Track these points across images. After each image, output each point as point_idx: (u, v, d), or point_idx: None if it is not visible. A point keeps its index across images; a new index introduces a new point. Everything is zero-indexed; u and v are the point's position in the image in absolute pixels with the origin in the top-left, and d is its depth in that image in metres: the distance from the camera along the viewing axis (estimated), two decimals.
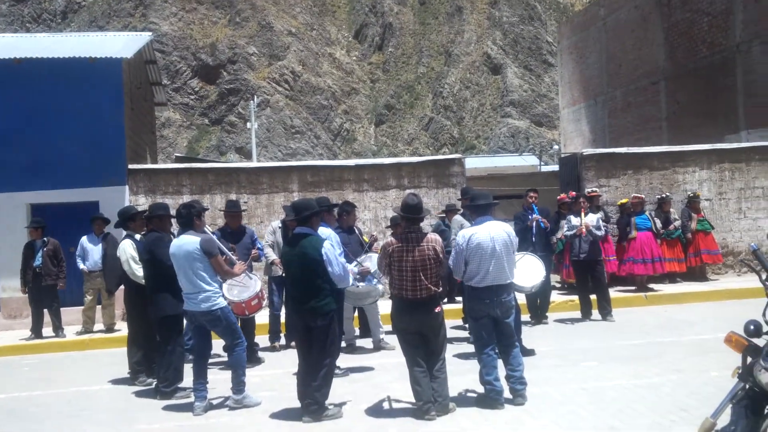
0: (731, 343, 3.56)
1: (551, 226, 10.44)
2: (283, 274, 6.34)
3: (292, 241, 5.79)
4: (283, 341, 8.69)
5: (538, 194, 9.91)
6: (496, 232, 5.82)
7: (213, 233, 7.63)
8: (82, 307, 10.57)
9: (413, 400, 5.64)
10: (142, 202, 11.56)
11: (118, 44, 13.32)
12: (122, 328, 10.35)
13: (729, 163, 12.81)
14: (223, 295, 6.30)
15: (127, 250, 7.32)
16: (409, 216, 5.66)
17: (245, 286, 6.73)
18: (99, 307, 10.62)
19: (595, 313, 9.59)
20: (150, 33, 16.78)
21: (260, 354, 8.14)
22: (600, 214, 10.24)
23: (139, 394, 6.96)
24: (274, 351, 8.58)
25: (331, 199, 8.53)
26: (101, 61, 11.61)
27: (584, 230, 9.34)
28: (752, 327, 3.42)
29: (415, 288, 5.51)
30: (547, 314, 9.54)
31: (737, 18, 17.13)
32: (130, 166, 11.94)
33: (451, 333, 7.66)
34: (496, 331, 5.81)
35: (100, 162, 11.65)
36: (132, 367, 7.39)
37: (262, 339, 8.64)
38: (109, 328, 10.47)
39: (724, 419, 3.39)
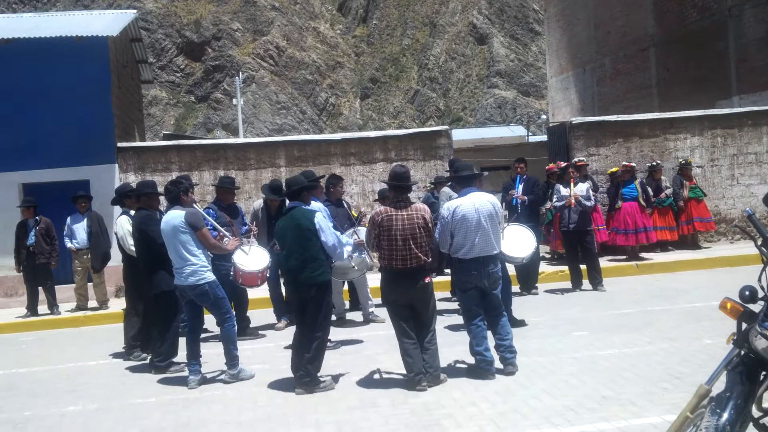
0: (726, 309, 3.50)
1: (539, 195, 10.38)
2: (277, 249, 6.29)
3: (286, 214, 5.86)
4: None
5: (525, 165, 9.83)
6: (480, 203, 5.78)
7: (209, 209, 7.63)
8: (74, 285, 10.72)
9: (404, 372, 5.66)
10: (132, 180, 11.64)
11: (104, 22, 13.35)
12: (114, 305, 10.68)
13: (721, 129, 12.68)
14: (233, 266, 6.56)
15: (124, 225, 7.45)
16: (398, 184, 5.64)
17: (255, 256, 6.85)
18: (90, 284, 10.76)
19: (586, 284, 9.57)
20: (135, 11, 16.73)
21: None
22: (588, 184, 10.18)
23: (134, 368, 7.04)
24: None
25: (317, 173, 8.46)
26: (88, 40, 11.70)
27: (573, 201, 9.27)
28: (747, 293, 3.36)
29: (405, 257, 5.48)
30: (536, 285, 9.52)
31: None
32: (119, 144, 12.05)
33: (440, 305, 7.63)
34: (484, 302, 5.81)
35: (90, 141, 11.80)
36: (128, 342, 7.49)
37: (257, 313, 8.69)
38: (102, 305, 10.64)
39: (719, 386, 3.35)
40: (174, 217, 6.06)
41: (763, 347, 3.19)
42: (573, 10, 23.91)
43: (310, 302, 5.68)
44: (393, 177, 5.70)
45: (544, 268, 10.83)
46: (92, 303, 10.75)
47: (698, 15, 17.84)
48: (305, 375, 5.65)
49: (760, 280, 3.36)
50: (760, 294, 3.35)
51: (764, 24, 15.86)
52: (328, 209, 7.14)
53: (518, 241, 6.96)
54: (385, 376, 6.00)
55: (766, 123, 12.72)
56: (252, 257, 6.91)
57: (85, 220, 10.36)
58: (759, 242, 3.46)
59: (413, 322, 5.61)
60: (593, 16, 22.54)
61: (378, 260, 5.70)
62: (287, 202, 6.61)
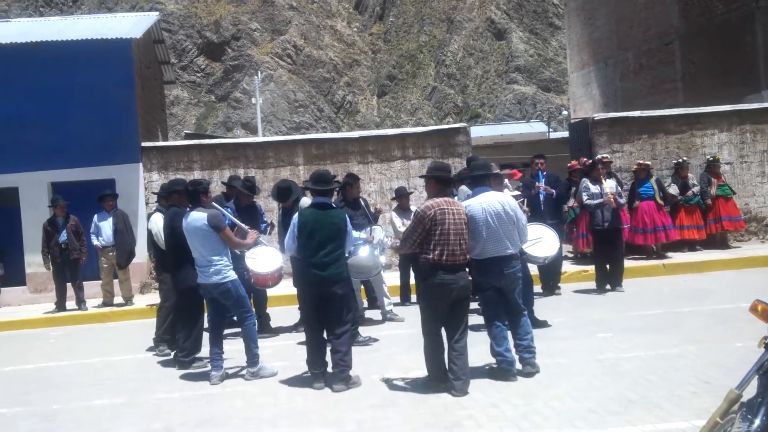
0: (757, 311, 3.42)
1: (562, 192, 10.17)
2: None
3: (320, 209, 5.84)
4: None
5: (545, 160, 9.66)
6: (488, 202, 5.61)
7: (227, 208, 7.68)
8: (101, 282, 11.02)
9: (423, 372, 5.62)
10: (156, 179, 11.96)
11: (127, 25, 13.69)
12: (139, 301, 11.06)
13: (750, 124, 12.31)
14: (245, 268, 6.59)
15: (159, 222, 7.59)
16: (445, 176, 5.50)
17: (266, 258, 6.88)
18: (116, 281, 11.04)
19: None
20: (157, 13, 17.17)
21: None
22: (612, 181, 9.95)
23: (158, 364, 7.20)
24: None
25: (335, 172, 8.57)
26: (112, 42, 12.01)
27: (613, 200, 8.89)
28: None
29: (455, 253, 5.31)
30: (559, 285, 9.37)
31: None
32: (143, 144, 12.32)
33: None
34: (503, 302, 5.71)
35: (115, 141, 12.12)
36: (158, 337, 7.63)
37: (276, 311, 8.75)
38: (128, 301, 10.91)
39: (750, 391, 3.25)
40: (196, 219, 6.16)
41: None
42: (594, 3, 23.54)
43: (337, 298, 5.75)
44: (438, 168, 5.55)
45: (567, 267, 10.68)
46: (118, 299, 11.02)
47: (724, 7, 17.41)
48: (345, 368, 5.67)
49: None
50: None
51: None
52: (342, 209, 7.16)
53: (541, 241, 6.84)
54: (404, 375, 5.95)
55: None
56: (264, 258, 6.95)
57: (111, 218, 10.64)
58: None
59: (450, 323, 5.45)
60: (615, 9, 22.16)
61: (423, 256, 5.36)
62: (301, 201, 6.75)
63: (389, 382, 5.77)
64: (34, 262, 11.65)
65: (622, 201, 9.30)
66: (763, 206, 12.29)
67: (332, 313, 5.76)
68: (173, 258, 6.89)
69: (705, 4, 18.08)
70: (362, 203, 8.43)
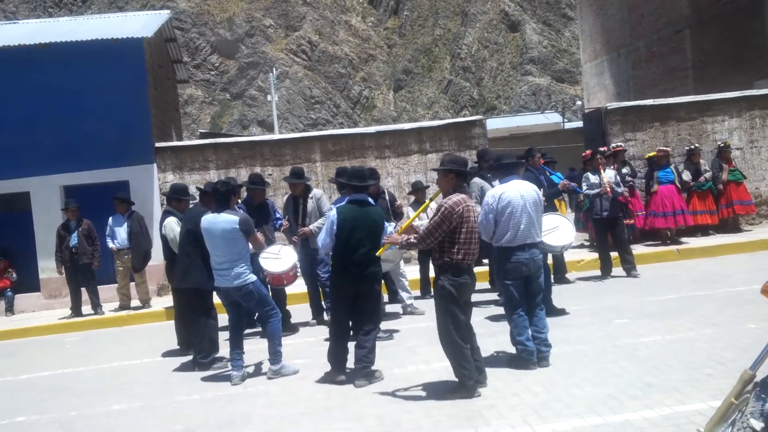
0: None
1: (577, 184, 10.29)
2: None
3: (360, 206, 5.75)
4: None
5: (544, 155, 9.71)
6: (525, 189, 5.75)
7: (239, 207, 7.75)
8: (117, 285, 10.85)
9: (443, 364, 5.56)
10: (170, 179, 11.78)
11: (138, 24, 13.43)
12: (156, 304, 10.79)
13: (760, 110, 12.40)
14: (260, 268, 6.43)
15: (175, 228, 7.49)
16: (463, 170, 5.34)
17: (280, 257, 6.84)
18: (133, 284, 10.87)
19: (617, 271, 9.47)
20: (168, 11, 16.88)
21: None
22: (625, 169, 10.04)
23: (177, 367, 7.10)
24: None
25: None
26: (123, 42, 11.75)
27: (609, 189, 9.15)
28: None
29: (476, 251, 5.25)
30: (566, 274, 9.46)
31: None
32: (157, 145, 12.13)
33: (477, 296, 7.66)
34: (526, 291, 5.76)
35: (128, 142, 11.89)
36: (183, 340, 7.54)
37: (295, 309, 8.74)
38: (145, 303, 10.74)
39: (764, 370, 3.33)
40: (224, 221, 6.06)
41: None
42: None
43: (373, 295, 5.79)
44: (456, 161, 5.35)
45: (583, 255, 10.77)
46: (135, 302, 10.84)
47: None
48: (368, 365, 5.67)
49: None
50: None
51: None
52: None
53: (557, 230, 6.94)
54: (425, 367, 5.98)
55: None
56: (279, 257, 6.94)
57: (126, 221, 10.42)
58: None
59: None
60: None
61: (448, 256, 5.16)
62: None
63: (410, 375, 5.76)
64: (48, 267, 11.45)
65: (620, 190, 9.40)
66: None
67: (365, 309, 5.75)
68: (187, 257, 6.79)
69: None
70: (386, 198, 8.51)
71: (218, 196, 6.22)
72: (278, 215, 8.53)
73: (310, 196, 8.20)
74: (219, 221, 6.12)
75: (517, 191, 5.69)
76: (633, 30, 21.88)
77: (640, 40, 21.50)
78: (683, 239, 11.28)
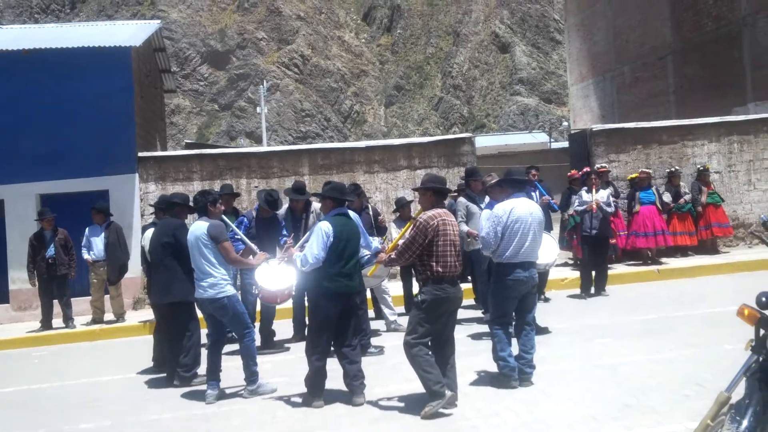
0: (744, 315, 3.51)
1: (562, 202, 10.51)
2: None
3: (344, 219, 5.71)
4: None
5: (539, 171, 9.84)
6: (533, 208, 5.83)
7: (243, 218, 7.65)
8: (90, 298, 10.52)
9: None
10: (152, 190, 11.62)
11: (127, 33, 13.29)
12: (132, 318, 10.43)
13: (737, 135, 12.70)
14: (255, 284, 6.30)
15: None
16: (441, 188, 5.43)
17: (278, 274, 6.65)
18: (107, 297, 10.53)
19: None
20: (158, 21, 16.74)
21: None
22: (610, 190, 10.18)
23: (150, 383, 6.89)
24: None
25: (342, 181, 8.50)
26: (110, 50, 11.60)
27: (595, 207, 9.29)
28: (764, 299, 3.38)
29: (455, 265, 5.25)
30: (545, 291, 9.50)
31: None
32: (140, 154, 11.93)
33: (462, 313, 7.65)
34: (518, 307, 5.78)
35: (110, 151, 11.64)
36: (159, 356, 7.34)
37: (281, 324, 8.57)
38: (119, 318, 10.41)
39: (739, 392, 3.37)
40: (198, 228, 6.00)
41: None
42: (592, 19, 23.94)
43: (360, 307, 5.75)
44: (434, 180, 5.47)
45: (567, 273, 10.84)
46: (109, 316, 10.49)
47: (714, 24, 17.90)
48: (364, 380, 5.58)
49: None
50: None
51: None
52: None
53: (542, 248, 6.97)
54: (407, 386, 5.80)
55: None
56: (277, 275, 6.72)
57: (103, 231, 10.11)
58: None
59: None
60: (612, 25, 22.58)
61: (425, 269, 5.21)
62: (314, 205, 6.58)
63: (392, 394, 5.66)
64: (19, 278, 11.08)
65: (610, 210, 9.52)
66: (749, 213, 12.61)
67: (352, 323, 5.65)
68: (170, 270, 6.63)
69: (696, 20, 18.59)
70: (370, 213, 8.49)
71: (195, 205, 6.19)
72: (285, 232, 8.13)
73: (311, 210, 8.00)
74: (194, 229, 6.07)
75: (527, 208, 5.76)
76: (618, 55, 22.35)
77: (624, 65, 21.95)
78: (663, 259, 11.42)
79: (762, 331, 3.40)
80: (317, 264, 5.47)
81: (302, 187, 8.07)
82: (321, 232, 5.50)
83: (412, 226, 5.29)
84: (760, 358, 3.35)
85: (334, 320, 5.54)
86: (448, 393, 5.09)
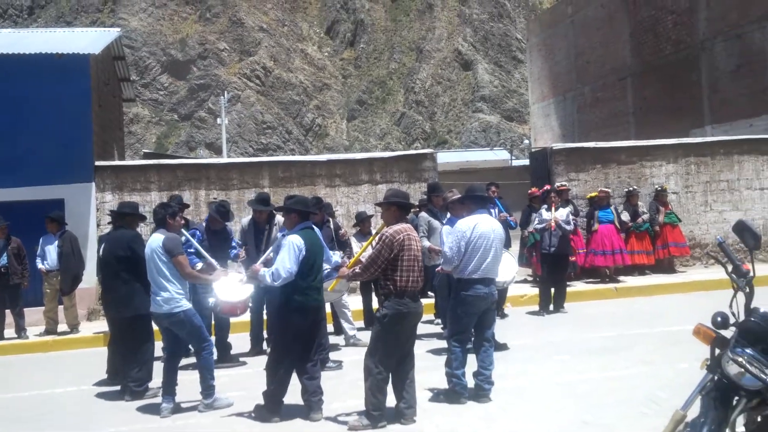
0: (699, 335, 3.57)
1: (523, 219, 10.63)
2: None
3: (311, 232, 5.67)
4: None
5: (498, 188, 9.95)
6: (496, 225, 5.92)
7: (195, 230, 7.52)
8: (44, 308, 10.27)
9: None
10: (109, 200, 11.45)
11: (86, 40, 13.16)
12: (86, 329, 10.20)
13: (695, 157, 13.02)
14: (213, 294, 6.28)
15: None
16: (405, 203, 5.49)
17: (236, 285, 6.57)
18: (61, 307, 10.28)
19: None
20: (118, 29, 16.67)
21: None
22: (570, 208, 10.34)
23: (104, 396, 6.78)
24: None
25: (303, 195, 8.44)
26: (68, 58, 11.49)
27: (554, 225, 9.41)
28: (720, 319, 3.44)
29: (418, 279, 5.28)
30: (503, 307, 9.57)
31: (701, 15, 17.48)
32: (97, 163, 11.76)
33: (422, 328, 7.62)
34: (478, 323, 5.81)
35: (66, 159, 11.46)
36: (113, 368, 7.19)
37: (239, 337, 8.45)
38: (73, 329, 10.19)
39: (694, 411, 3.40)
40: (154, 241, 5.94)
41: (735, 373, 3.26)
42: (554, 40, 24.49)
43: (323, 321, 5.75)
44: (398, 195, 5.53)
45: (527, 290, 10.93)
46: (62, 327, 10.26)
47: (672, 48, 18.47)
48: (322, 396, 5.55)
49: (731, 306, 3.45)
50: (732, 320, 3.43)
51: (734, 57, 16.45)
52: None
53: (501, 265, 7.01)
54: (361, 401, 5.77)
55: (737, 152, 13.10)
56: (234, 287, 6.63)
57: (57, 240, 9.89)
58: (729, 270, 3.55)
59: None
60: (573, 46, 23.11)
61: (390, 284, 5.21)
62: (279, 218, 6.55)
63: (350, 410, 5.56)
64: None
65: (569, 228, 9.66)
66: (706, 233, 12.91)
67: (316, 338, 5.63)
68: (125, 283, 6.55)
69: (655, 44, 19.18)
70: (331, 226, 8.42)
71: (155, 217, 6.15)
72: (234, 243, 8.06)
73: (275, 222, 7.91)
74: (150, 242, 6.01)
75: (490, 225, 5.83)
76: (579, 76, 22.86)
77: (585, 85, 22.46)
78: (621, 278, 11.61)
79: (717, 351, 3.45)
80: (290, 278, 5.41)
81: (266, 198, 8.03)
82: (293, 245, 5.43)
83: (377, 241, 5.30)
84: (715, 377, 3.39)
85: (307, 333, 5.54)
86: (381, 424, 5.13)
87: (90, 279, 10.58)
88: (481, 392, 5.71)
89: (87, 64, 11.79)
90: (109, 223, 9.16)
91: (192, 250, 6.97)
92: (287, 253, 5.42)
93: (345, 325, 8.37)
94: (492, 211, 8.97)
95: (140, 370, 6.52)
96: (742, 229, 3.61)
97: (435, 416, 5.36)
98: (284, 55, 65.47)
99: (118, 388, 6.80)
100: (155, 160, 12.95)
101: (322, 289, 5.75)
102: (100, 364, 7.44)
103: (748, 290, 3.48)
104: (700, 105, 17.35)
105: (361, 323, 9.09)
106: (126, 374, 6.63)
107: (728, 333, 3.46)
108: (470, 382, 5.79)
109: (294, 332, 5.49)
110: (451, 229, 6.02)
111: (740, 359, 3.25)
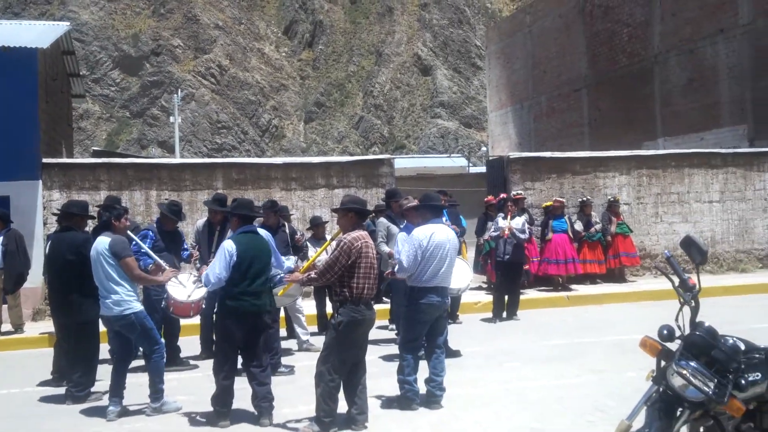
0: (646, 347, 3.65)
1: (478, 227, 10.72)
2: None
3: (251, 236, 5.66)
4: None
5: (449, 196, 10.01)
6: (451, 234, 5.96)
7: (147, 230, 7.41)
8: None
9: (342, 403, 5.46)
10: (56, 198, 11.15)
11: (34, 34, 12.81)
12: (31, 329, 9.96)
13: (647, 169, 13.35)
14: (166, 295, 6.23)
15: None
16: (362, 209, 5.50)
17: (189, 287, 6.52)
18: (5, 307, 9.97)
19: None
20: (68, 23, 16.23)
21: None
22: (525, 217, 10.48)
23: (50, 399, 6.61)
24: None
25: (257, 198, 8.34)
26: (15, 51, 11.17)
27: (507, 233, 9.52)
28: (665, 332, 3.52)
29: (373, 286, 5.30)
30: (458, 314, 9.66)
31: (655, 30, 17.99)
32: (44, 160, 11.45)
33: (376, 333, 7.62)
34: (429, 330, 5.84)
35: (12, 156, 11.14)
36: (58, 369, 7.05)
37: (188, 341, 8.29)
38: (17, 329, 9.90)
39: (640, 421, 3.47)
40: (100, 244, 5.84)
41: (679, 385, 3.34)
42: (512, 48, 24.84)
43: (267, 327, 5.68)
44: (356, 201, 5.52)
45: (481, 297, 11.03)
46: (6, 327, 9.99)
47: (627, 60, 18.94)
48: (272, 401, 5.51)
49: (677, 319, 3.53)
50: (677, 333, 3.51)
51: (687, 71, 16.98)
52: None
53: (456, 273, 7.05)
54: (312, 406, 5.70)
55: (688, 165, 13.50)
56: (188, 287, 6.62)
57: (2, 238, 9.60)
58: (676, 284, 3.64)
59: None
60: (531, 55, 23.48)
61: (347, 291, 5.19)
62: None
63: (301, 416, 5.57)
64: None
65: (524, 236, 9.80)
66: (656, 244, 13.26)
67: (260, 343, 5.55)
68: (74, 287, 6.38)
69: (610, 56, 19.63)
70: (287, 231, 8.35)
71: (99, 220, 6.08)
72: (186, 246, 7.99)
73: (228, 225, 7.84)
74: (96, 244, 5.90)
75: (445, 234, 5.88)
76: (536, 85, 23.24)
77: (542, 95, 22.84)
78: (573, 286, 11.83)
79: (662, 363, 3.53)
80: (219, 284, 5.44)
81: (224, 199, 7.97)
82: (224, 251, 5.47)
83: (335, 247, 5.28)
84: (660, 389, 3.47)
85: (239, 340, 5.48)
86: (332, 430, 5.12)
87: (36, 279, 10.30)
88: (432, 399, 5.75)
89: (35, 59, 11.50)
90: (57, 221, 8.82)
91: (143, 251, 6.82)
92: (217, 259, 5.49)
93: (298, 329, 8.30)
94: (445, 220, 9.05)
95: (82, 375, 6.40)
96: (689, 244, 3.70)
97: (387, 423, 5.37)
98: (240, 53, 64.72)
99: (63, 389, 6.64)
100: (105, 159, 12.61)
101: (266, 294, 5.67)
102: (46, 365, 7.29)
103: (693, 304, 3.57)
104: (653, 118, 17.84)
105: (314, 328, 9.03)
106: (68, 378, 6.50)
107: (674, 345, 3.54)
108: (422, 389, 5.82)
109: (225, 337, 5.51)
110: (407, 237, 6.04)
111: (684, 372, 3.33)
